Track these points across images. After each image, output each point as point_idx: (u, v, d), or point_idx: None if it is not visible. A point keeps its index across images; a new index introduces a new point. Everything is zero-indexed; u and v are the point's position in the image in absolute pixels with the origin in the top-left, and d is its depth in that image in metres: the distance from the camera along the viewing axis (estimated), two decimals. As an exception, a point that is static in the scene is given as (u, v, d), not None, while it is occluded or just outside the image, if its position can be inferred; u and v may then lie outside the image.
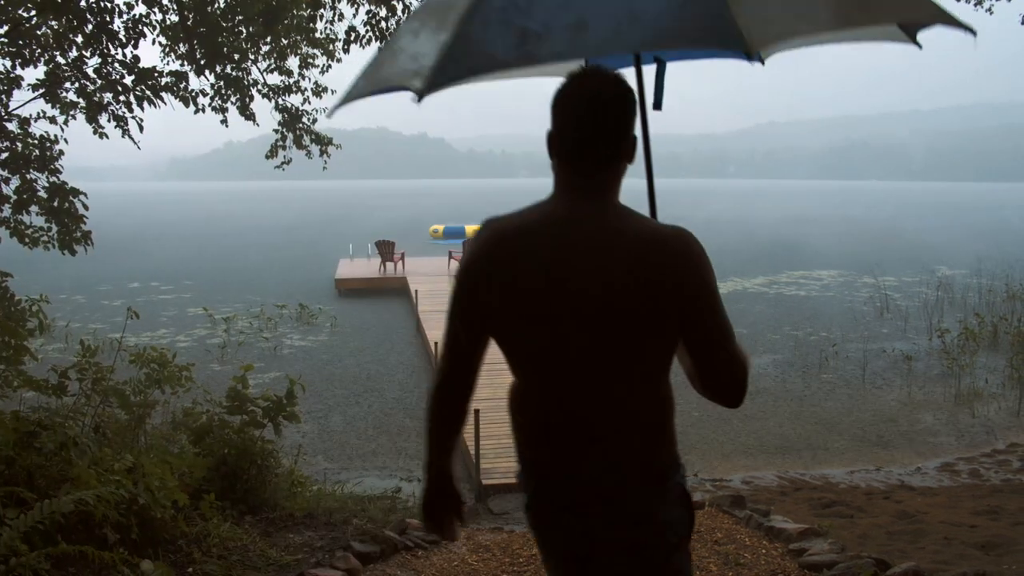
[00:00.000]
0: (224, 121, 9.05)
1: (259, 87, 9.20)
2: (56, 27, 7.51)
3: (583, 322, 1.79)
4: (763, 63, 2.05)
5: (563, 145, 1.90)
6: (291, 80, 9.50)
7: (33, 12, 7.17)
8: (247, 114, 9.03)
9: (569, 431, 1.87)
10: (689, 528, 1.93)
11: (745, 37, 1.64)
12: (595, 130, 1.84)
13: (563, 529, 1.93)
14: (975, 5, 11.68)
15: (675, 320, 1.79)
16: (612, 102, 1.84)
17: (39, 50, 7.60)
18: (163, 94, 7.60)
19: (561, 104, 1.87)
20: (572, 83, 1.86)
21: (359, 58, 9.63)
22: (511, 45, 1.72)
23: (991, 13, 11.82)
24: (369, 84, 1.97)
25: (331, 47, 9.33)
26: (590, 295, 1.77)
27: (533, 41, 1.70)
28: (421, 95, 1.71)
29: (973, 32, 1.76)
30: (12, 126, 7.67)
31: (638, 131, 1.99)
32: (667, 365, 1.87)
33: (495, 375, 11.53)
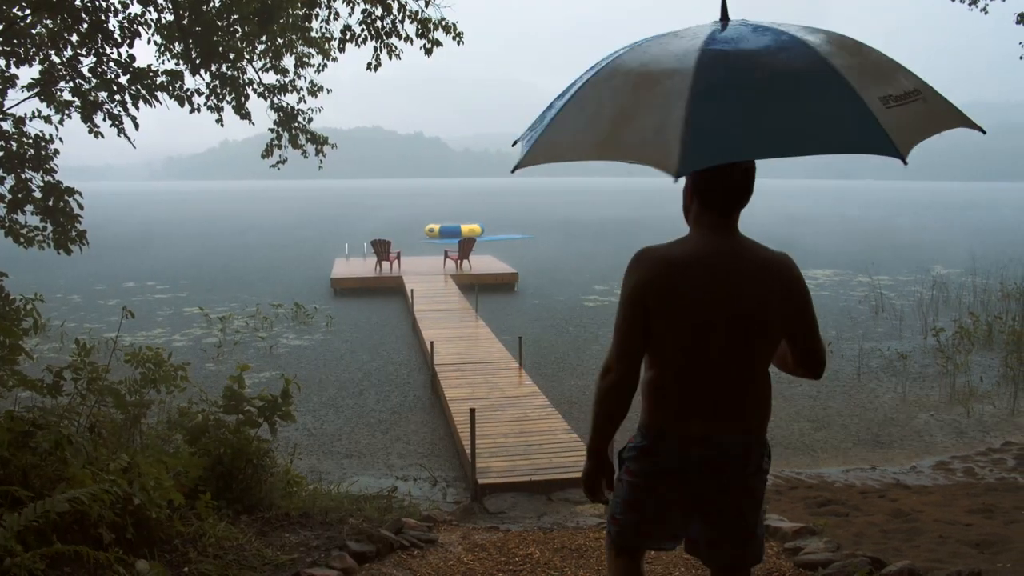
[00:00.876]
0: (220, 120, 9.04)
1: (254, 86, 9.20)
2: (51, 26, 7.49)
3: (739, 331, 2.45)
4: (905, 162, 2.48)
5: (711, 194, 2.54)
6: (287, 79, 9.50)
7: (28, 11, 7.15)
8: (242, 113, 9.03)
9: (713, 408, 2.51)
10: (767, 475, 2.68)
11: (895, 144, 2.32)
12: (736, 184, 2.52)
13: (693, 473, 2.54)
14: (970, 5, 11.71)
15: (791, 323, 2.54)
16: (749, 166, 2.51)
17: (34, 49, 7.58)
18: (158, 93, 7.58)
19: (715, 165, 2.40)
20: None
21: (354, 57, 9.65)
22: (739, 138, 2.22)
23: (986, 13, 11.85)
24: (587, 151, 2.44)
25: (327, 46, 9.32)
26: (747, 310, 2.44)
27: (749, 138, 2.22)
28: (678, 175, 2.13)
29: (904, 160, 2.37)
30: (7, 125, 7.65)
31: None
32: (774, 357, 2.62)
33: (491, 375, 11.64)
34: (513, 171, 2.67)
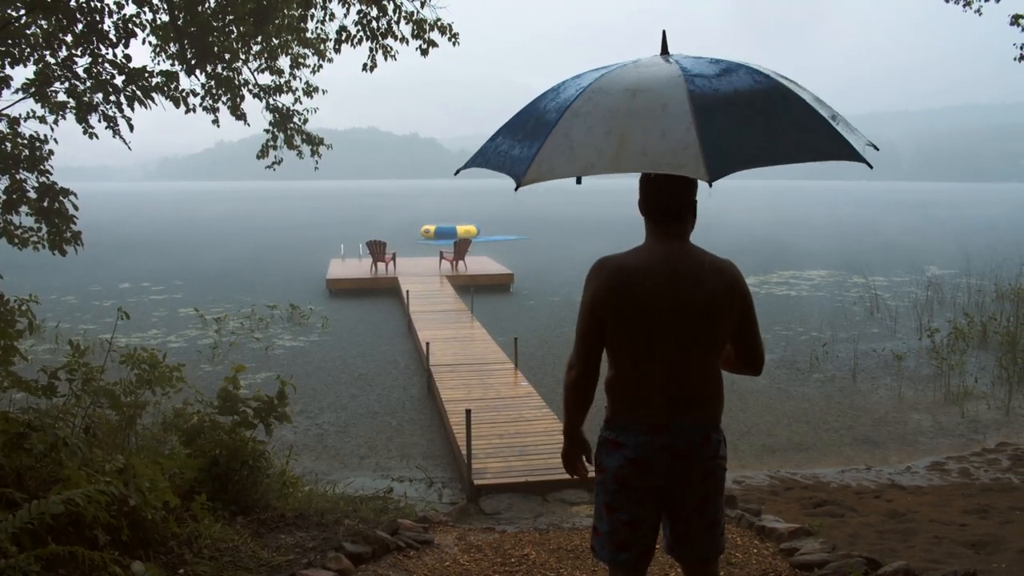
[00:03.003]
0: (215, 121, 9.02)
1: (250, 87, 9.18)
2: (46, 26, 7.47)
3: (684, 325, 2.73)
4: None
5: (652, 209, 2.88)
6: (282, 80, 9.48)
7: (23, 11, 7.14)
8: (238, 114, 9.01)
9: (671, 399, 2.78)
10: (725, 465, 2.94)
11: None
12: (669, 199, 2.85)
13: (660, 464, 2.80)
14: (964, 6, 11.74)
15: (735, 322, 2.82)
16: (679, 187, 2.81)
17: (29, 49, 7.56)
18: (154, 94, 7.57)
19: (650, 182, 2.84)
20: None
21: (350, 58, 9.63)
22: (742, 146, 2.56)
23: (980, 14, 11.88)
24: (604, 165, 2.59)
25: (322, 47, 9.32)
26: (692, 309, 2.73)
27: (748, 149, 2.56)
28: (712, 180, 2.37)
29: (869, 165, 2.63)
30: (1, 126, 7.63)
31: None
32: (721, 355, 2.88)
33: (486, 375, 11.66)
34: (516, 189, 2.76)
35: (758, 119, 2.55)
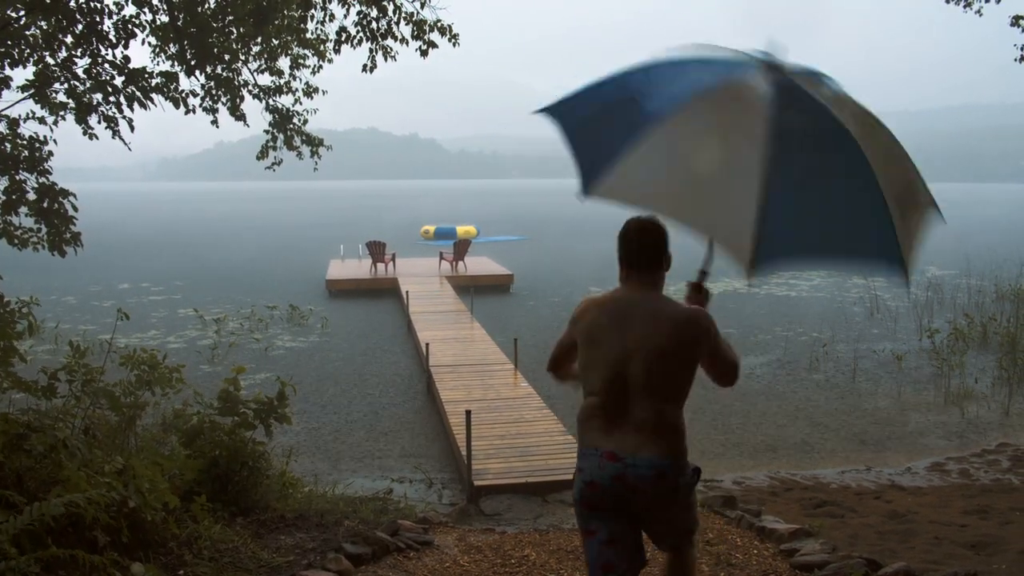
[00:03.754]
0: (215, 122, 9.02)
1: (250, 87, 9.18)
2: (45, 27, 7.47)
3: (634, 366, 2.89)
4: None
5: (623, 258, 3.07)
6: (282, 81, 9.48)
7: (22, 12, 7.13)
8: (237, 115, 9.01)
9: (621, 432, 2.91)
10: (695, 486, 3.11)
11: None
12: (638, 252, 3.05)
13: (597, 478, 2.92)
14: (964, 7, 11.74)
15: (697, 362, 2.95)
16: (654, 232, 3.02)
17: (28, 50, 7.56)
18: (153, 95, 7.56)
19: (624, 234, 3.06)
20: (631, 223, 3.03)
21: (350, 59, 9.64)
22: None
23: (980, 15, 11.89)
24: (661, 205, 2.86)
25: (322, 48, 9.32)
26: (643, 347, 2.87)
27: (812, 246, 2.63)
28: (751, 277, 2.51)
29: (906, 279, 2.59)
30: (1, 127, 7.63)
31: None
32: (685, 395, 2.98)
33: (486, 376, 11.66)
34: (584, 199, 2.93)
35: (823, 211, 2.53)
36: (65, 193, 7.67)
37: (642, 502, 2.93)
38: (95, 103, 7.54)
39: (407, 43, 8.56)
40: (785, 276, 28.24)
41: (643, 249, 3.04)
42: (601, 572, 3.01)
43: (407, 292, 20.89)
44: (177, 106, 8.17)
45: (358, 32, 8.57)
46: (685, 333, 2.91)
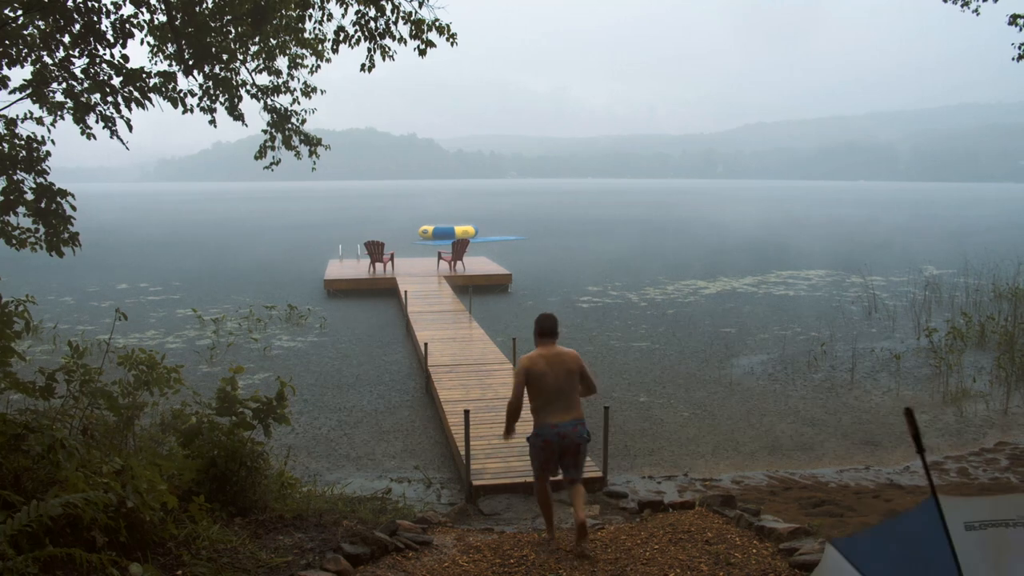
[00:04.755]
0: (212, 121, 9.00)
1: (248, 87, 9.16)
2: (43, 27, 7.46)
3: (561, 379, 6.30)
4: None
5: (544, 331, 6.52)
6: (280, 80, 9.46)
7: (20, 12, 7.12)
8: (236, 114, 8.99)
9: (560, 413, 6.28)
10: (588, 442, 6.43)
11: None
12: (550, 330, 6.51)
13: (557, 438, 6.23)
14: (962, 6, 11.75)
15: (579, 376, 6.41)
16: (554, 318, 6.61)
17: (26, 50, 7.55)
18: (151, 94, 7.55)
19: (540, 320, 6.57)
20: (542, 315, 6.62)
21: (348, 58, 9.62)
22: None
23: (978, 14, 11.90)
24: None
25: (320, 47, 9.30)
26: (562, 373, 6.31)
27: None
28: None
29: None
30: (-1, 127, 7.61)
31: None
32: (579, 392, 6.43)
33: (484, 376, 11.68)
34: None
35: None
36: (63, 193, 7.66)
37: (567, 445, 6.26)
38: (93, 103, 7.53)
39: (405, 43, 8.54)
40: (783, 276, 28.28)
41: (552, 327, 6.54)
42: (541, 471, 6.44)
43: (405, 292, 20.88)
44: (175, 106, 8.15)
45: (356, 32, 8.56)
46: (577, 362, 6.42)
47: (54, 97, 7.51)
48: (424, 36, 8.41)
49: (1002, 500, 2.60)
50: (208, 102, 8.78)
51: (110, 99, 7.44)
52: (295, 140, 9.60)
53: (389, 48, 8.61)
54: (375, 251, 26.23)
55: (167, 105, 8.00)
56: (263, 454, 6.77)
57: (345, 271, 26.95)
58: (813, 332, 18.19)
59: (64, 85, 7.46)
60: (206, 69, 8.44)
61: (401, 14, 8.38)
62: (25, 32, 7.50)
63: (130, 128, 7.67)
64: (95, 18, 7.28)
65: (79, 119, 7.54)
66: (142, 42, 8.28)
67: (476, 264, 28.02)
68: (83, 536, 3.98)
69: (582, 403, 6.35)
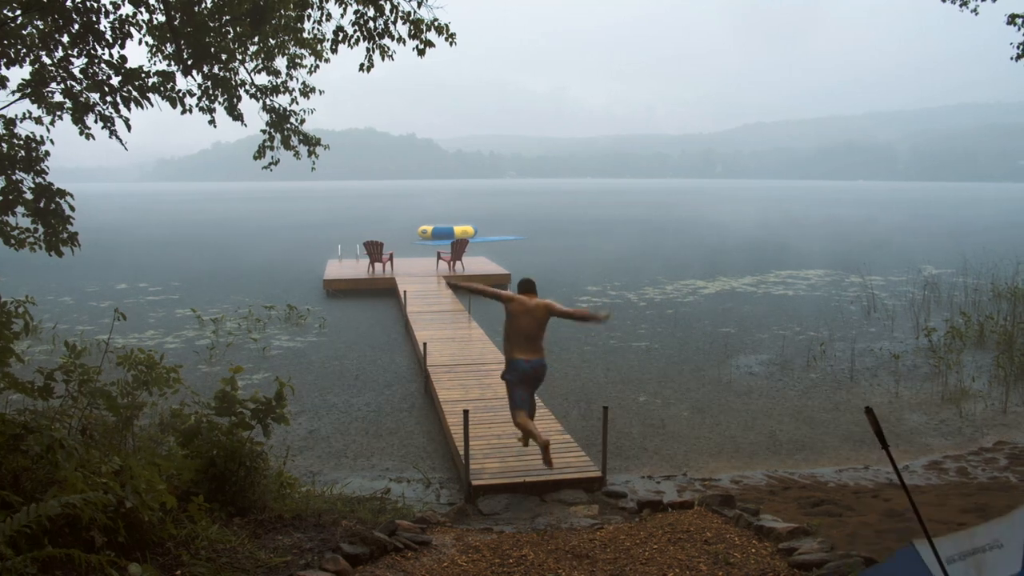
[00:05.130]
0: (212, 122, 8.99)
1: (247, 87, 9.16)
2: (42, 27, 7.45)
3: (532, 324, 8.28)
4: None
5: (525, 288, 8.58)
6: (279, 80, 9.46)
7: (18, 12, 7.12)
8: (235, 114, 8.98)
9: (529, 348, 8.25)
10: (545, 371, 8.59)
11: None
12: (530, 288, 8.60)
13: (524, 369, 8.22)
14: (960, 6, 11.76)
15: (547, 321, 8.39)
16: (532, 281, 8.71)
17: (24, 50, 7.54)
18: (150, 94, 7.54)
19: (523, 282, 8.68)
20: (525, 278, 8.72)
21: (347, 58, 9.61)
22: None
23: (976, 14, 11.91)
24: None
25: (319, 47, 9.30)
26: (533, 321, 8.27)
27: None
28: None
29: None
30: (-3, 126, 7.60)
31: None
32: (544, 336, 8.44)
33: (483, 376, 11.67)
34: None
35: None
36: (62, 193, 7.65)
37: (536, 375, 8.26)
38: (92, 103, 7.52)
39: (404, 42, 8.54)
40: (782, 276, 28.30)
41: (531, 287, 8.51)
42: (520, 401, 8.21)
43: (405, 292, 20.88)
44: (174, 106, 8.15)
45: (355, 31, 8.56)
46: (544, 312, 8.19)
47: (53, 97, 7.51)
48: (423, 36, 8.41)
49: (978, 530, 2.78)
50: (207, 102, 8.77)
51: (109, 99, 7.43)
52: (294, 140, 9.60)
53: (388, 48, 8.61)
54: (374, 251, 26.22)
55: (166, 105, 7.99)
56: (262, 454, 6.77)
57: (344, 271, 26.95)
58: (812, 332, 18.20)
59: (63, 85, 7.45)
60: (205, 69, 8.44)
61: (400, 14, 8.38)
62: (24, 32, 7.49)
63: (129, 128, 7.67)
64: (94, 18, 7.28)
65: (78, 119, 7.53)
66: (141, 42, 8.27)
67: (475, 264, 28.02)
68: (82, 536, 3.97)
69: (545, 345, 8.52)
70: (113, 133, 7.68)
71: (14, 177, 7.54)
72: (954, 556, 2.71)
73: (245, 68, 9.08)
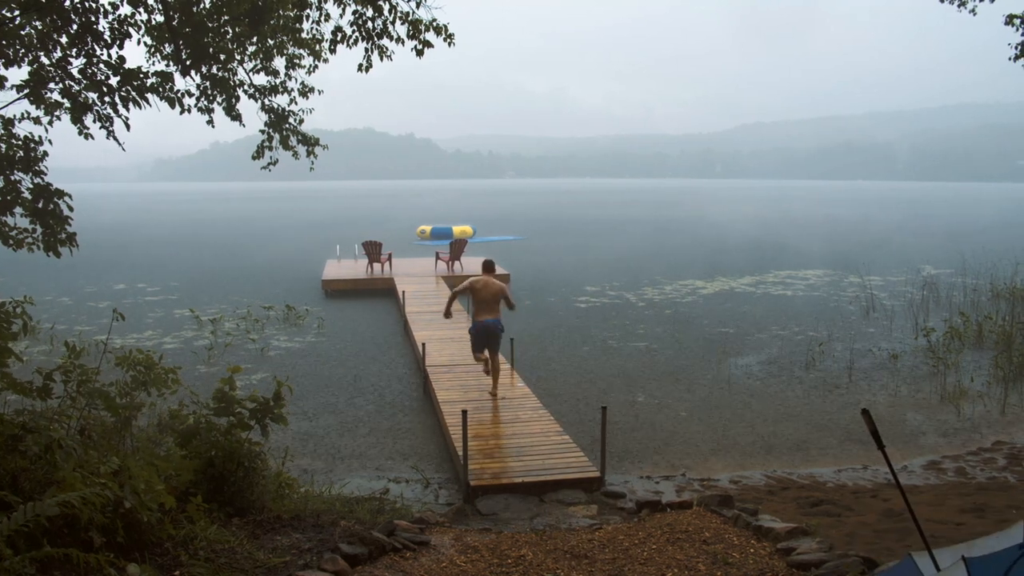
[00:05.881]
0: (210, 122, 8.99)
1: (245, 87, 9.16)
2: (40, 27, 7.45)
3: (490, 295, 11.42)
4: None
5: (485, 270, 11.81)
6: (277, 80, 9.46)
7: (17, 12, 7.11)
8: (233, 115, 8.98)
9: (488, 312, 11.44)
10: (502, 332, 11.82)
11: None
12: (490, 268, 11.88)
13: (484, 328, 11.42)
14: (959, 6, 11.76)
15: (502, 295, 11.57)
16: (492, 263, 12.00)
17: (23, 50, 7.53)
18: (149, 95, 7.54)
19: (486, 263, 11.91)
20: (487, 260, 12.03)
21: (346, 58, 9.62)
22: None
23: (974, 14, 11.91)
24: None
25: (317, 47, 9.30)
26: (490, 294, 11.42)
27: None
28: None
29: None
30: (-4, 127, 7.60)
31: None
32: (500, 305, 11.68)
33: (482, 377, 11.64)
34: None
35: None
36: (60, 193, 7.65)
37: (491, 334, 11.39)
38: (90, 103, 7.52)
39: (403, 43, 8.54)
40: (781, 276, 28.31)
41: (491, 267, 11.76)
42: (477, 350, 11.58)
43: (403, 292, 20.87)
44: (172, 106, 8.14)
45: (354, 32, 8.56)
46: (502, 290, 11.39)
47: (51, 97, 7.50)
48: (421, 36, 8.42)
49: (977, 543, 2.79)
50: (206, 102, 8.77)
51: (107, 99, 7.43)
52: (293, 140, 9.60)
53: (387, 48, 8.61)
54: (373, 251, 26.22)
55: (164, 105, 7.99)
56: (261, 454, 6.77)
57: (343, 271, 26.95)
58: (811, 332, 18.21)
59: (61, 85, 7.45)
60: (203, 69, 8.44)
61: (398, 14, 8.38)
62: (23, 32, 7.49)
63: (127, 128, 7.67)
64: (92, 18, 7.28)
65: (76, 119, 7.53)
66: (139, 42, 8.27)
67: (474, 264, 28.00)
68: (80, 536, 3.97)
69: (503, 311, 11.60)
70: (111, 133, 7.67)
71: (12, 177, 7.54)
72: (950, 566, 2.70)
73: (244, 68, 9.08)
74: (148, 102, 7.51)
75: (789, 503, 8.53)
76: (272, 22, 8.45)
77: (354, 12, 8.45)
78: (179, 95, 8.14)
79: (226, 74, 8.81)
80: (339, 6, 8.47)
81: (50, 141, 7.71)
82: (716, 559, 5.80)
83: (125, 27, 7.49)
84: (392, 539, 5.95)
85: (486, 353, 11.68)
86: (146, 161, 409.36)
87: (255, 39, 8.76)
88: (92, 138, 7.87)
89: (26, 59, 7.53)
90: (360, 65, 8.72)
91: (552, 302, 22.64)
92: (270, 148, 9.58)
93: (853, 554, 5.49)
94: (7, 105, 7.32)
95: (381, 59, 8.70)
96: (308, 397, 13.02)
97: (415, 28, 8.39)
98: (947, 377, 13.98)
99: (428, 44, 8.46)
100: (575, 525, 7.05)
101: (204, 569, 4.61)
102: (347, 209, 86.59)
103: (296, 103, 9.61)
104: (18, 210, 7.69)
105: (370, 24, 8.47)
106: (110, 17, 7.45)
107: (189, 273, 29.93)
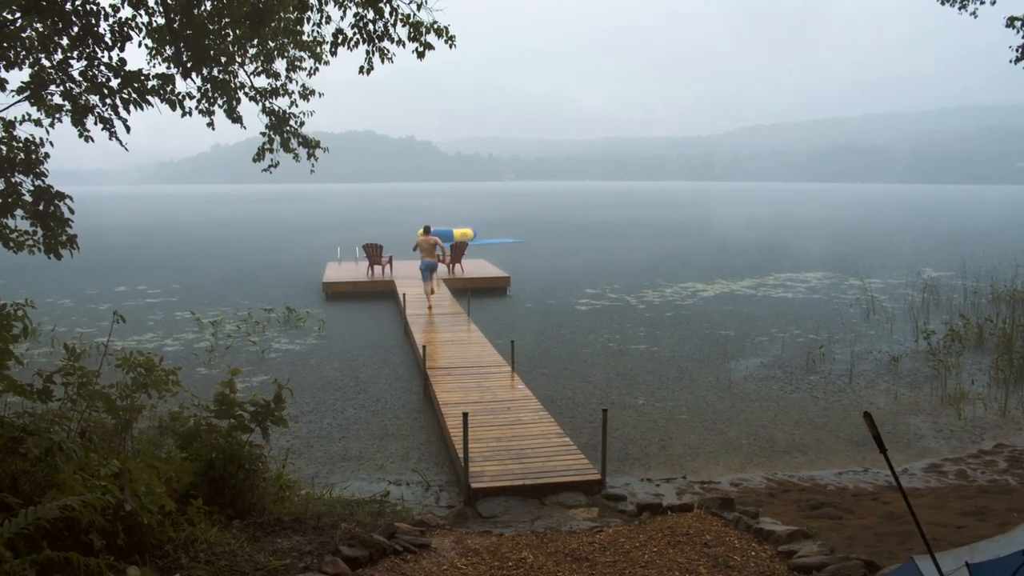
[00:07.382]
0: (211, 124, 8.99)
1: (246, 90, 9.16)
2: (41, 29, 7.45)
3: (429, 245, 20.26)
4: None
5: (425, 232, 20.85)
6: (278, 83, 9.47)
7: (18, 14, 7.12)
8: (234, 117, 8.98)
9: (428, 256, 20.39)
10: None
11: None
12: (427, 231, 21.00)
13: (427, 264, 20.30)
14: (959, 8, 11.78)
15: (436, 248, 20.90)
16: (429, 227, 21.31)
17: (24, 52, 7.54)
18: (149, 97, 7.54)
19: (426, 228, 21.17)
20: (424, 226, 21.38)
21: (347, 61, 9.62)
22: None
23: (975, 16, 11.93)
24: None
25: (318, 50, 9.31)
26: (427, 245, 20.29)
27: None
28: None
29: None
30: (-3, 129, 7.60)
31: None
32: (437, 252, 21.34)
33: (483, 379, 11.66)
34: None
35: None
36: (61, 196, 7.64)
37: (431, 268, 20.19)
38: (91, 105, 7.52)
39: (403, 45, 8.55)
40: (781, 278, 28.30)
41: (428, 230, 20.74)
42: (425, 279, 20.15)
43: (404, 294, 20.88)
44: (173, 108, 8.14)
45: (355, 34, 8.57)
46: (435, 244, 20.27)
47: (52, 99, 7.50)
48: (422, 38, 8.42)
49: (978, 546, 2.79)
50: (206, 104, 8.77)
51: (108, 101, 7.43)
52: (293, 142, 9.60)
53: (387, 50, 8.61)
54: (373, 254, 26.23)
55: (165, 108, 7.99)
56: (261, 456, 6.76)
57: (343, 273, 26.95)
58: (811, 334, 18.20)
59: (62, 87, 7.45)
60: (204, 71, 8.44)
61: (399, 16, 8.39)
62: (23, 34, 7.49)
63: (128, 130, 7.67)
64: (93, 20, 7.28)
65: (77, 121, 7.53)
66: (140, 44, 8.28)
67: (474, 267, 28.03)
68: (81, 539, 3.97)
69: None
70: (113, 135, 7.67)
71: (13, 180, 7.53)
72: (953, 571, 2.70)
73: (244, 71, 9.09)
74: (149, 104, 7.51)
75: (790, 506, 8.53)
76: (273, 24, 8.46)
77: (355, 14, 8.46)
78: (180, 97, 8.14)
79: (227, 76, 8.81)
80: (340, 8, 8.48)
81: (51, 143, 7.71)
82: (717, 562, 5.80)
83: (126, 29, 7.49)
84: (393, 542, 5.95)
85: (433, 283, 20.29)
86: (147, 164, 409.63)
87: (256, 41, 8.77)
88: (93, 140, 7.87)
89: (27, 61, 7.53)
90: (361, 67, 8.73)
91: (552, 304, 22.64)
92: (271, 150, 9.59)
93: (854, 557, 5.48)
94: (8, 107, 7.32)
95: (382, 61, 8.71)
96: (309, 399, 13.01)
97: (416, 30, 8.39)
98: (947, 379, 13.97)
99: (429, 46, 8.46)
100: (576, 528, 7.04)
101: (204, 571, 4.60)
102: (347, 211, 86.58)
103: (297, 105, 9.62)
104: (19, 212, 7.69)
105: (371, 26, 8.48)
106: (111, 19, 7.44)
107: (190, 275, 29.94)
